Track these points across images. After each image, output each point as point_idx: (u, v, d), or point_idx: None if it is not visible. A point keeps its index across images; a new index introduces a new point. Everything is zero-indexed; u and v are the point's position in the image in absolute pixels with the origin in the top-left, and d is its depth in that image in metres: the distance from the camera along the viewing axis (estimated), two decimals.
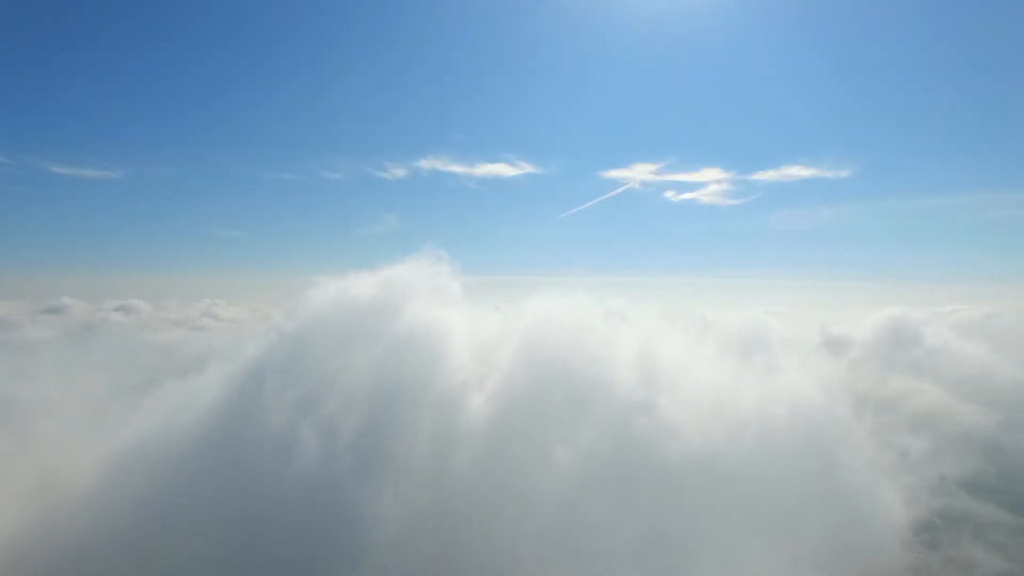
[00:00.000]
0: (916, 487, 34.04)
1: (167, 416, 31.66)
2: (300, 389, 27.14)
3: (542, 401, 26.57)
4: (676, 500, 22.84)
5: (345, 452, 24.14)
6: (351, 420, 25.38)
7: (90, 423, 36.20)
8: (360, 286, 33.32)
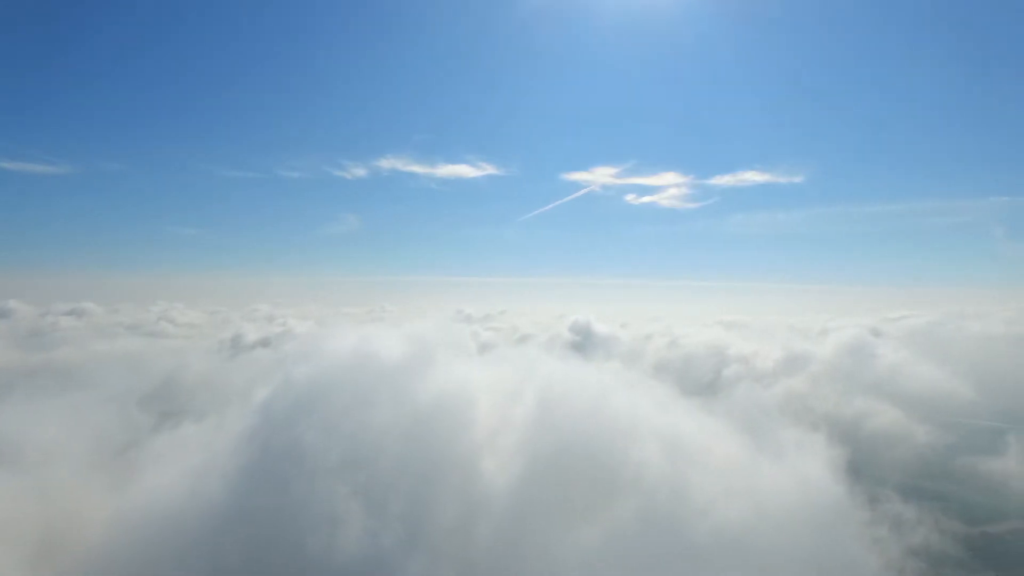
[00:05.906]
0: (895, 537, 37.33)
1: (183, 473, 31.02)
2: (330, 455, 27.27)
3: (564, 474, 27.04)
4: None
5: (393, 522, 24.30)
6: (390, 491, 25.60)
7: (97, 469, 34.81)
8: (379, 341, 33.13)
